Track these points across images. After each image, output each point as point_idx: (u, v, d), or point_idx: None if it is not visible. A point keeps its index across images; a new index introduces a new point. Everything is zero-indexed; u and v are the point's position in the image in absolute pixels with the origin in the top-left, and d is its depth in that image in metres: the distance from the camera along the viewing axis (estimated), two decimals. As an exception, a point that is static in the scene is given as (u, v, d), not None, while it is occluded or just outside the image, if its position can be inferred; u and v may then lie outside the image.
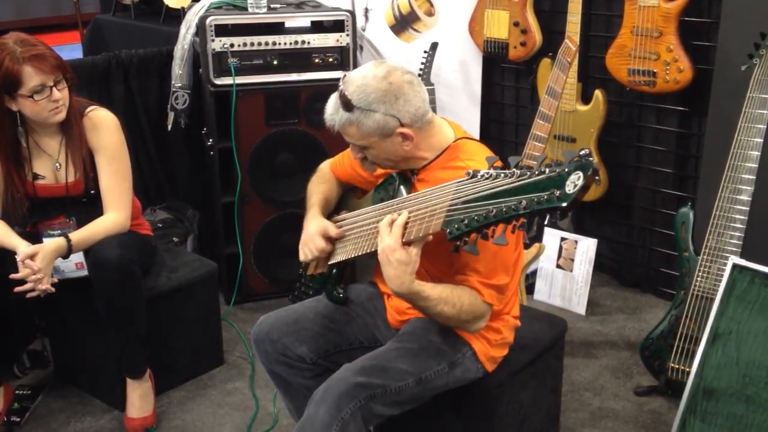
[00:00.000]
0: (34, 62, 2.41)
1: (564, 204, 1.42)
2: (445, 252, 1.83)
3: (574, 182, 1.42)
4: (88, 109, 2.62)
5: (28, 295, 2.43)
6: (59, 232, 2.57)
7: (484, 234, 1.58)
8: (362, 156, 2.05)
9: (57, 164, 2.60)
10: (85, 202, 2.64)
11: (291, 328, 2.18)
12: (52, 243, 2.48)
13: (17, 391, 2.84)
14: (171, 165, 3.86)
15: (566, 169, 1.44)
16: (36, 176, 2.61)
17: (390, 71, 1.95)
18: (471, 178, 1.65)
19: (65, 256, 2.51)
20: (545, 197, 1.44)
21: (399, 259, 1.77)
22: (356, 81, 1.95)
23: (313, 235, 2.16)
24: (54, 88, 2.46)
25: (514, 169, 1.55)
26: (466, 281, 1.94)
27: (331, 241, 2.17)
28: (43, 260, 2.43)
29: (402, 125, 1.94)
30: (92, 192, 2.62)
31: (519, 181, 1.51)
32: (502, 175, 1.56)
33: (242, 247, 3.41)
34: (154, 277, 2.84)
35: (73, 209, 2.63)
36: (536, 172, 1.49)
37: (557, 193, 1.43)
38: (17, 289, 2.42)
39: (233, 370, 3.07)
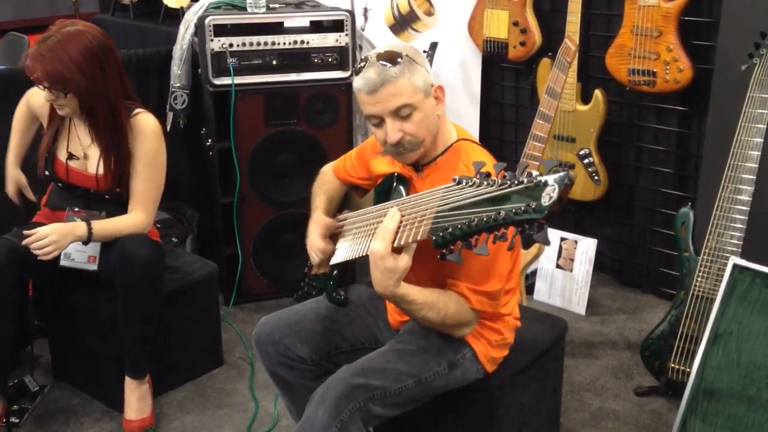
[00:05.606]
0: (31, 61, 2.46)
1: (540, 216, 1.43)
2: (435, 252, 1.82)
3: (550, 194, 1.42)
4: (134, 112, 2.64)
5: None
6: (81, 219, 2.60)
7: (467, 243, 1.58)
8: (400, 137, 1.90)
9: (84, 154, 2.64)
10: (107, 199, 2.66)
11: (292, 330, 2.18)
12: (70, 223, 2.53)
13: (16, 393, 2.84)
14: (170, 165, 3.84)
15: (543, 180, 1.45)
16: (71, 156, 2.65)
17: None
18: (457, 184, 1.64)
19: (85, 242, 2.54)
20: (522, 208, 1.45)
21: (387, 267, 1.77)
22: (384, 47, 1.94)
23: (316, 238, 2.16)
24: (47, 90, 2.49)
25: (495, 178, 1.55)
26: (455, 287, 1.94)
27: (334, 240, 2.17)
28: (54, 230, 2.46)
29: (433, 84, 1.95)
30: (117, 190, 2.63)
31: (499, 190, 1.52)
32: (485, 183, 1.56)
33: (242, 248, 3.41)
34: (154, 278, 2.84)
35: (97, 203, 2.66)
36: (515, 182, 1.50)
37: (533, 205, 1.44)
38: (26, 241, 2.45)
39: (233, 370, 3.06)
